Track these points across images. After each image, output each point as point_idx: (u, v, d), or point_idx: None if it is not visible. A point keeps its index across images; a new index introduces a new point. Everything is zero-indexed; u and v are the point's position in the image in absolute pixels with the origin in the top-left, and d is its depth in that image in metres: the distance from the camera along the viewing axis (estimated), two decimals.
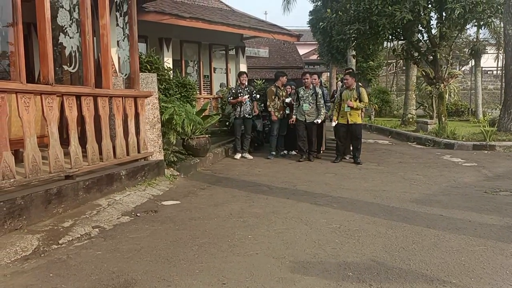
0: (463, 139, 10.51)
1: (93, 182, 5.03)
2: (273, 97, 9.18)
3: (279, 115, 9.14)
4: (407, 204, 5.19)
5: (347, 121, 8.28)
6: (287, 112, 9.10)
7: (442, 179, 6.67)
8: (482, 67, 19.97)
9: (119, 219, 4.60)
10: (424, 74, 12.57)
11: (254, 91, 9.32)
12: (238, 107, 8.99)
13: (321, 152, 9.33)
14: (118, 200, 5.15)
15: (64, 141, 4.96)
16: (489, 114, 17.42)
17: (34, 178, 4.28)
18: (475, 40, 19.13)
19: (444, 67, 12.18)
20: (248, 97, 9.00)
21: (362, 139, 8.64)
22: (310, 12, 21.23)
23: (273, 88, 9.32)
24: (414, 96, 16.91)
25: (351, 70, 9.60)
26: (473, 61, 20.17)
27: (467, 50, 19.57)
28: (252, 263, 3.39)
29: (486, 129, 10.75)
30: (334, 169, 7.72)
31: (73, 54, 5.32)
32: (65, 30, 5.18)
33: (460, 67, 24.38)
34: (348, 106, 8.16)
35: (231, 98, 9.18)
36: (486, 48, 21.17)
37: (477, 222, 4.41)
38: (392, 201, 5.32)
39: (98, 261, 3.44)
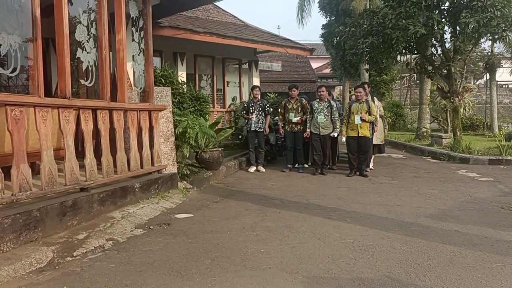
0: (479, 154, 10.37)
1: (107, 195, 5.07)
2: (279, 110, 9.42)
3: (288, 128, 9.17)
4: (422, 219, 5.12)
5: (358, 133, 8.30)
6: (308, 124, 8.80)
7: (458, 194, 6.58)
8: (497, 81, 19.74)
9: (133, 231, 4.62)
10: (438, 88, 12.49)
11: (267, 105, 9.36)
12: (250, 120, 9.09)
13: (335, 164, 9.37)
14: (132, 213, 5.19)
15: (80, 154, 5.02)
16: (505, 128, 17.19)
17: (50, 191, 4.34)
18: (490, 54, 18.98)
19: (459, 81, 12.08)
20: (260, 112, 9.08)
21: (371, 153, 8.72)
22: (323, 26, 21.36)
23: (282, 102, 9.49)
24: (428, 110, 16.78)
25: (366, 83, 9.66)
26: (488, 75, 20.00)
27: (481, 64, 19.40)
28: (265, 278, 3.37)
29: (502, 143, 10.62)
30: (347, 183, 7.68)
31: (90, 69, 5.42)
32: (83, 45, 5.28)
33: (475, 81, 24.16)
34: (361, 119, 8.21)
35: (244, 112, 9.33)
36: (501, 62, 20.94)
37: (494, 238, 4.33)
38: (406, 216, 5.26)
39: (111, 274, 3.45)
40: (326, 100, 8.72)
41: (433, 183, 7.58)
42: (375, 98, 9.66)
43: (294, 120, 9.00)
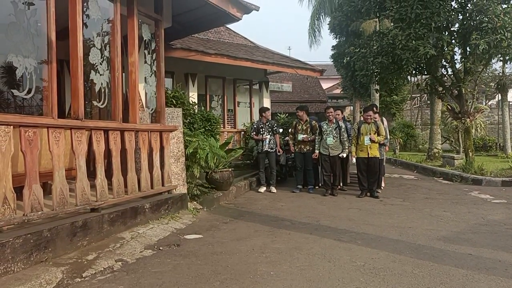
0: (492, 175, 10.24)
1: (117, 215, 5.09)
2: (290, 130, 9.50)
3: (297, 149, 9.19)
4: (434, 242, 5.05)
5: (368, 154, 8.29)
6: (317, 146, 8.85)
7: (470, 216, 6.49)
8: (509, 101, 19.58)
9: (142, 252, 4.62)
10: (449, 108, 12.44)
11: (276, 125, 9.39)
12: (261, 141, 9.10)
13: (347, 185, 9.34)
14: (142, 233, 5.19)
15: (91, 174, 5.07)
16: None
17: (61, 211, 4.37)
18: (501, 74, 18.90)
19: (470, 102, 12.03)
20: (270, 133, 9.11)
21: (385, 173, 8.62)
22: (332, 47, 21.48)
23: (293, 122, 9.58)
24: (440, 131, 16.68)
25: (374, 106, 9.68)
26: (499, 95, 19.87)
27: (493, 84, 19.29)
28: None
29: None
30: (358, 204, 7.61)
31: (103, 90, 5.50)
32: (96, 68, 5.38)
33: (487, 101, 23.97)
34: (370, 140, 8.22)
35: (254, 133, 9.32)
36: None
37: (507, 262, 4.25)
38: (418, 239, 5.18)
39: None
40: (334, 121, 8.74)
41: (445, 204, 7.48)
42: (383, 118, 9.66)
43: (300, 138, 9.04)
